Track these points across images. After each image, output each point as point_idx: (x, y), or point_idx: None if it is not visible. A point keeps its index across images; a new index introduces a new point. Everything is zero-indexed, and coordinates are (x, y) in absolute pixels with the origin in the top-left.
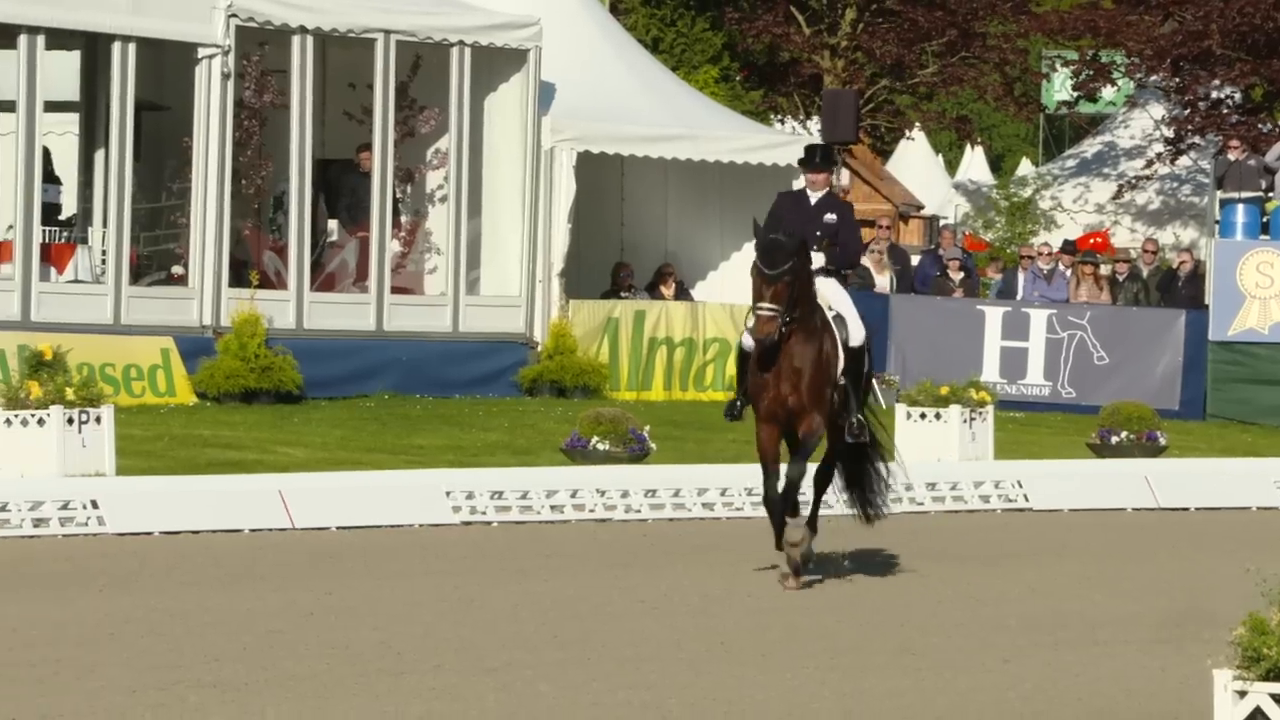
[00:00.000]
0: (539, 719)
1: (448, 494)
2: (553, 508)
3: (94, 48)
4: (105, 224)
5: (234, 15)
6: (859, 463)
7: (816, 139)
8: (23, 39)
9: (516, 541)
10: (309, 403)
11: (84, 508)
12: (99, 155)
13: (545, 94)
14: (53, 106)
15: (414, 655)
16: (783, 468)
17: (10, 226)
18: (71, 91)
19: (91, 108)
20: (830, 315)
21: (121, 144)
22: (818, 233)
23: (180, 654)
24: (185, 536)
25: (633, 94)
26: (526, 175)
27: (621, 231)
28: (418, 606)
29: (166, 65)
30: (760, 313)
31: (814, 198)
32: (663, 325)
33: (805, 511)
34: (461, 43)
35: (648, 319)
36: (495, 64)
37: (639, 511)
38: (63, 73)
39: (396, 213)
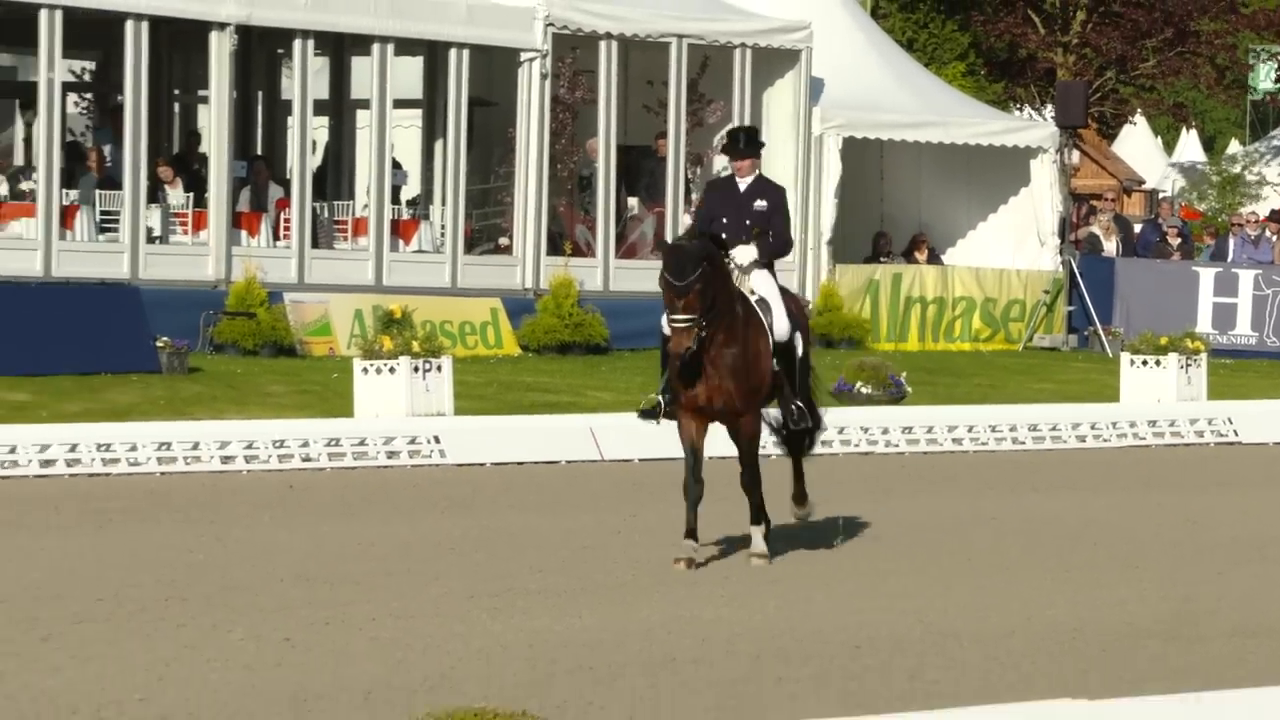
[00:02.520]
0: (812, 623)
1: (593, 432)
2: (824, 443)
3: (434, 53)
4: (444, 202)
5: (551, 24)
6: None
7: (1051, 125)
8: (375, 47)
9: (790, 472)
10: (614, 354)
11: (428, 442)
12: (438, 144)
13: (815, 87)
14: (400, 104)
15: (706, 569)
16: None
17: (366, 205)
18: (415, 91)
19: (432, 104)
20: (754, 299)
21: (457, 135)
22: (747, 221)
23: (509, 566)
24: (512, 467)
25: (890, 87)
26: (799, 158)
27: (881, 206)
28: (710, 527)
29: (494, 67)
30: (675, 325)
31: (743, 185)
32: (917, 286)
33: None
34: (743, 45)
35: (904, 281)
36: (772, 62)
37: (897, 446)
38: (408, 75)
39: (688, 191)
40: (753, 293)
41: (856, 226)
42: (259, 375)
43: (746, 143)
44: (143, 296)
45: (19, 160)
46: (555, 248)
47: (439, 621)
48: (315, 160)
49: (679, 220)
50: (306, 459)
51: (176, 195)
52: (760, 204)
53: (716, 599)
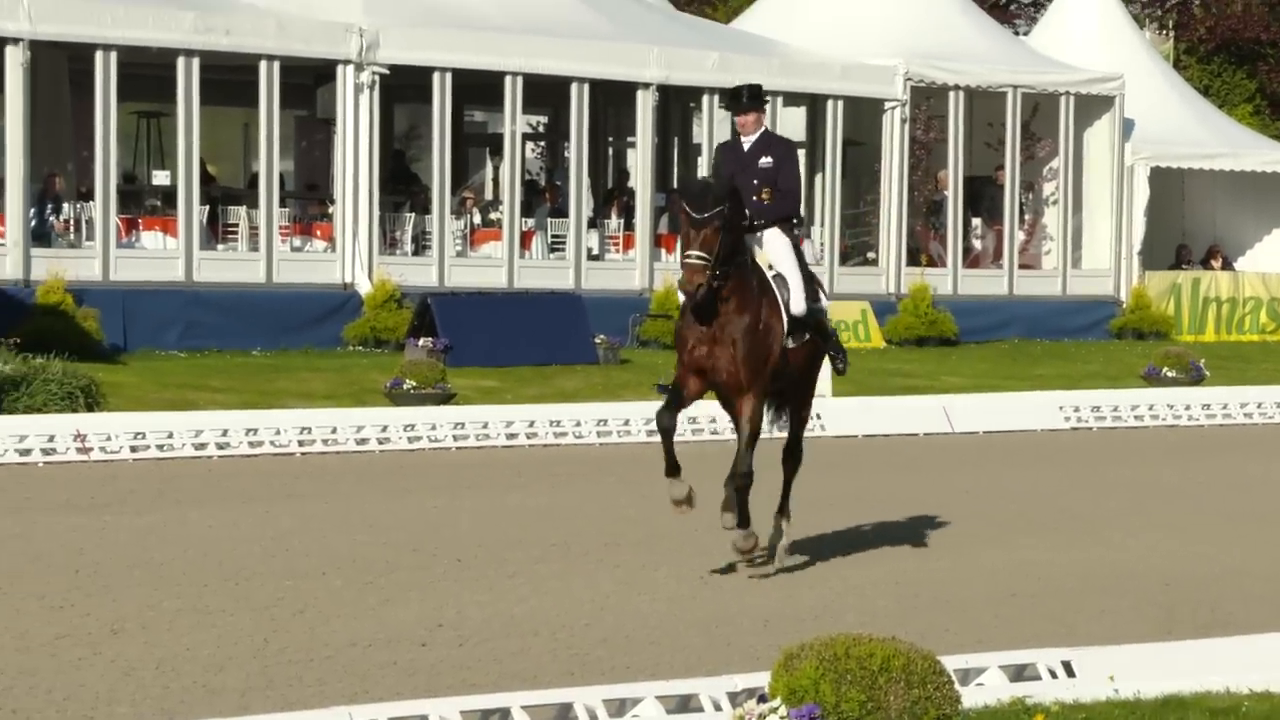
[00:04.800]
0: (1128, 564)
1: (1060, 408)
2: (1135, 417)
3: (815, 104)
4: (823, 224)
5: (910, 79)
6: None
7: None
8: (644, 95)
9: (1108, 442)
10: (962, 345)
11: (814, 419)
12: (818, 177)
13: (1126, 126)
14: None
15: (1038, 517)
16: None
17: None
18: (800, 134)
19: (814, 144)
20: (770, 275)
21: (833, 169)
22: (754, 180)
23: (878, 518)
24: (879, 438)
25: (1190, 125)
26: (1113, 184)
27: (1182, 223)
28: (1038, 484)
29: (863, 114)
30: (688, 260)
31: (747, 142)
32: (1213, 288)
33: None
34: (1067, 93)
35: (1202, 284)
36: (1091, 106)
37: (1197, 420)
38: (794, 121)
39: (1022, 212)
40: (770, 268)
41: (1162, 240)
42: (675, 365)
43: (749, 97)
44: (584, 303)
45: (489, 195)
46: (913, 259)
47: (823, 563)
48: None
49: (1014, 236)
50: (714, 433)
51: (611, 221)
52: (765, 160)
53: (1049, 545)
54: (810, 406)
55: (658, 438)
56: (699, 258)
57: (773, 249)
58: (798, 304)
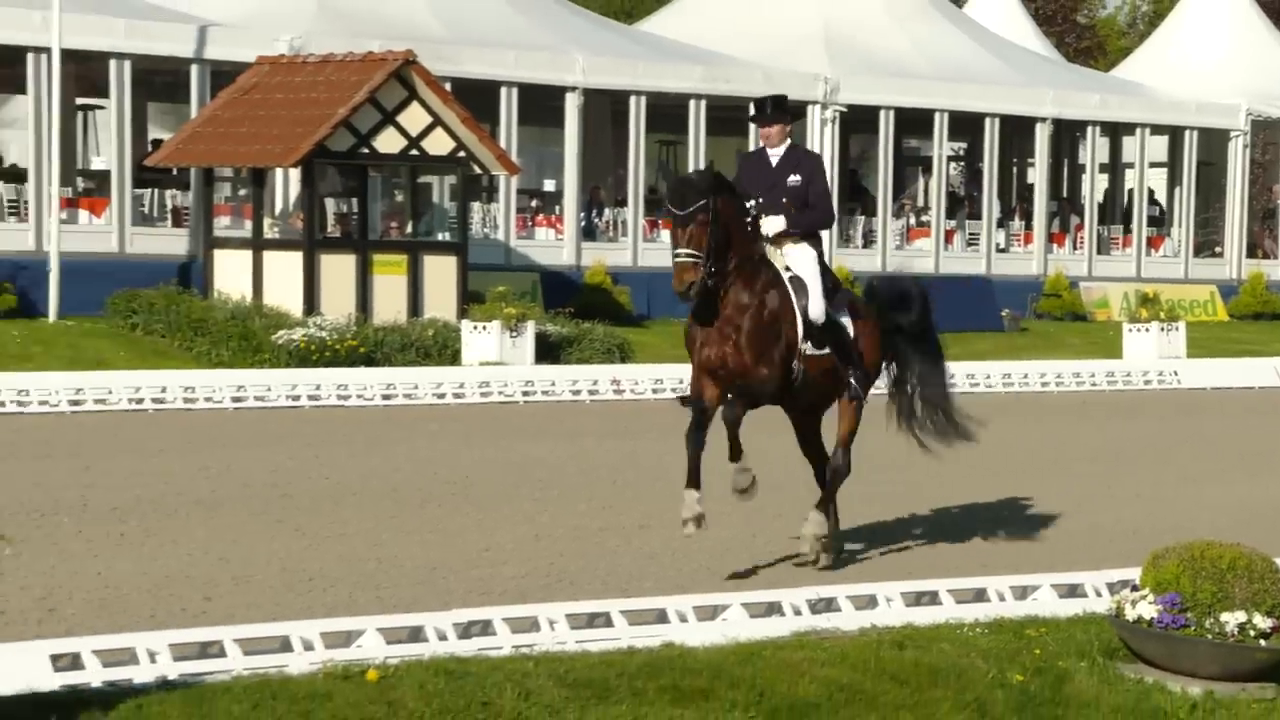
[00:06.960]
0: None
1: (1276, 370)
2: None
3: (1174, 135)
4: (1180, 225)
5: (1250, 114)
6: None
7: None
8: (1138, 130)
9: None
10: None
11: (1171, 375)
12: (1177, 190)
13: None
14: (1154, 165)
15: (1257, 462)
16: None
17: (1130, 228)
18: (1163, 155)
19: (1173, 164)
20: (786, 276)
21: (1190, 183)
22: (783, 199)
23: (1218, 453)
24: (1224, 390)
25: None
26: None
27: None
28: (1244, 433)
29: (1213, 141)
30: (677, 259)
31: (774, 156)
32: None
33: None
34: None
35: None
36: None
37: None
38: (1159, 146)
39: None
40: (787, 269)
41: None
42: (1063, 333)
43: (774, 108)
44: (993, 285)
45: (921, 203)
46: (1251, 253)
47: (1178, 488)
48: (1099, 199)
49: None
50: (1094, 385)
51: (1014, 222)
52: (794, 179)
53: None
54: (849, 429)
55: (1052, 388)
56: (688, 255)
57: (794, 256)
58: (816, 310)
